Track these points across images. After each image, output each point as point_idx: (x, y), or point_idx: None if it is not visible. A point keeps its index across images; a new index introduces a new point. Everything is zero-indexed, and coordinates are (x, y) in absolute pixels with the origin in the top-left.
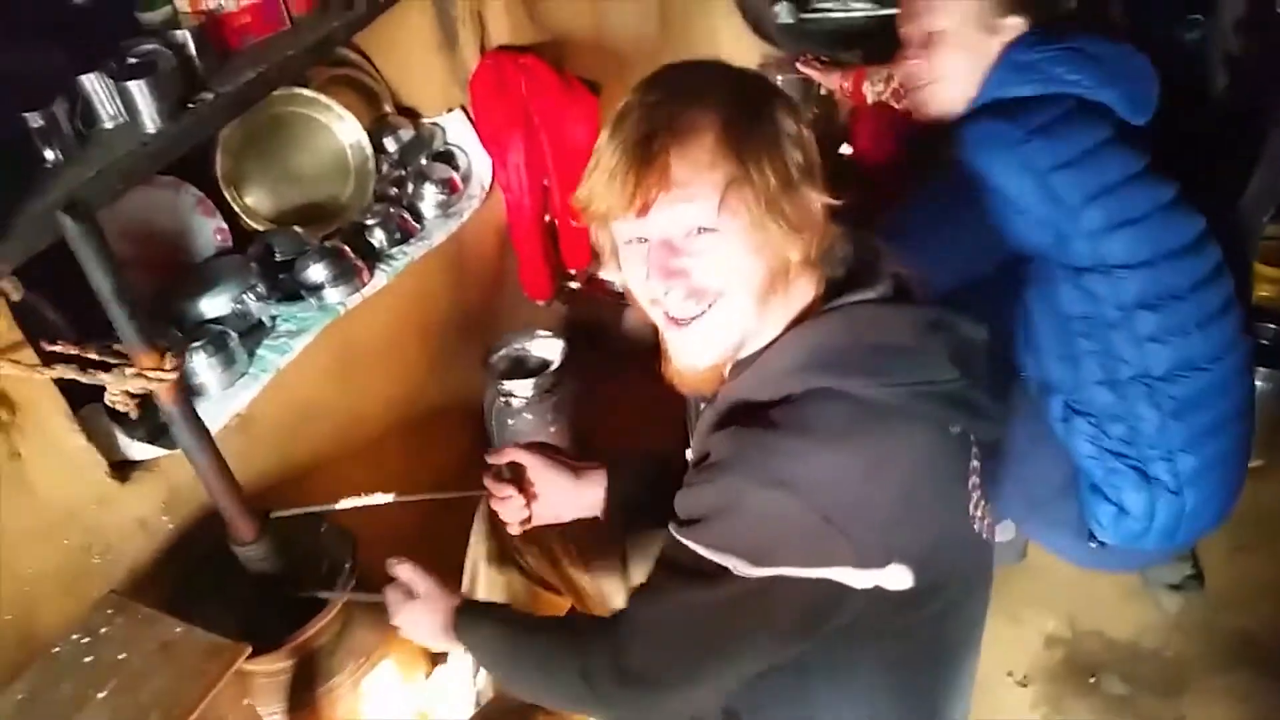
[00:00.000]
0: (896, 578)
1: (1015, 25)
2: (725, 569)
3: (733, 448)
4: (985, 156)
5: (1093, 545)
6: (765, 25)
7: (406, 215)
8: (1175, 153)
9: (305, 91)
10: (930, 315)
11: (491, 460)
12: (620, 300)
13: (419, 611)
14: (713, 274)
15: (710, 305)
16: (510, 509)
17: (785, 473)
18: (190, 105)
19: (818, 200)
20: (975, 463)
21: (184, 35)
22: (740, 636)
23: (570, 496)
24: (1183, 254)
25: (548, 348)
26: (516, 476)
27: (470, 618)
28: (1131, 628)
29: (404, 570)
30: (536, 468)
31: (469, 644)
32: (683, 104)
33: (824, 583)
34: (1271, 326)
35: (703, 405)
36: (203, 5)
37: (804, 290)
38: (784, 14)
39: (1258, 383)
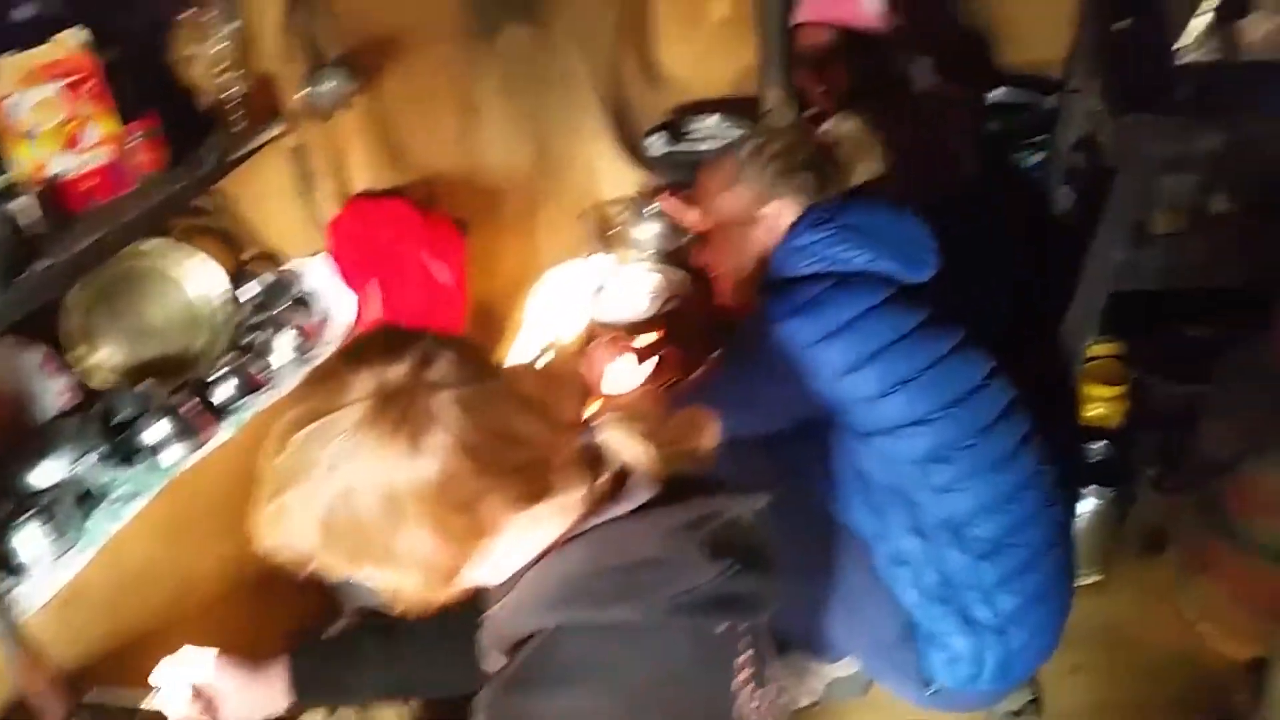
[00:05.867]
0: None
1: (775, 211)
2: None
3: (489, 706)
4: (760, 333)
5: (929, 692)
6: (642, 155)
7: (257, 366)
8: (1025, 281)
9: (160, 242)
10: (685, 515)
11: (153, 682)
12: None
13: (242, 699)
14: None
15: None
16: None
17: None
18: (22, 275)
19: (510, 490)
20: (748, 652)
21: (18, 204)
22: None
23: (252, 696)
24: (967, 400)
25: None
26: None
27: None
28: None
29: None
30: (209, 673)
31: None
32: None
33: None
34: (1102, 445)
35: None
36: (45, 172)
37: (556, 518)
38: (656, 146)
39: (1091, 500)
